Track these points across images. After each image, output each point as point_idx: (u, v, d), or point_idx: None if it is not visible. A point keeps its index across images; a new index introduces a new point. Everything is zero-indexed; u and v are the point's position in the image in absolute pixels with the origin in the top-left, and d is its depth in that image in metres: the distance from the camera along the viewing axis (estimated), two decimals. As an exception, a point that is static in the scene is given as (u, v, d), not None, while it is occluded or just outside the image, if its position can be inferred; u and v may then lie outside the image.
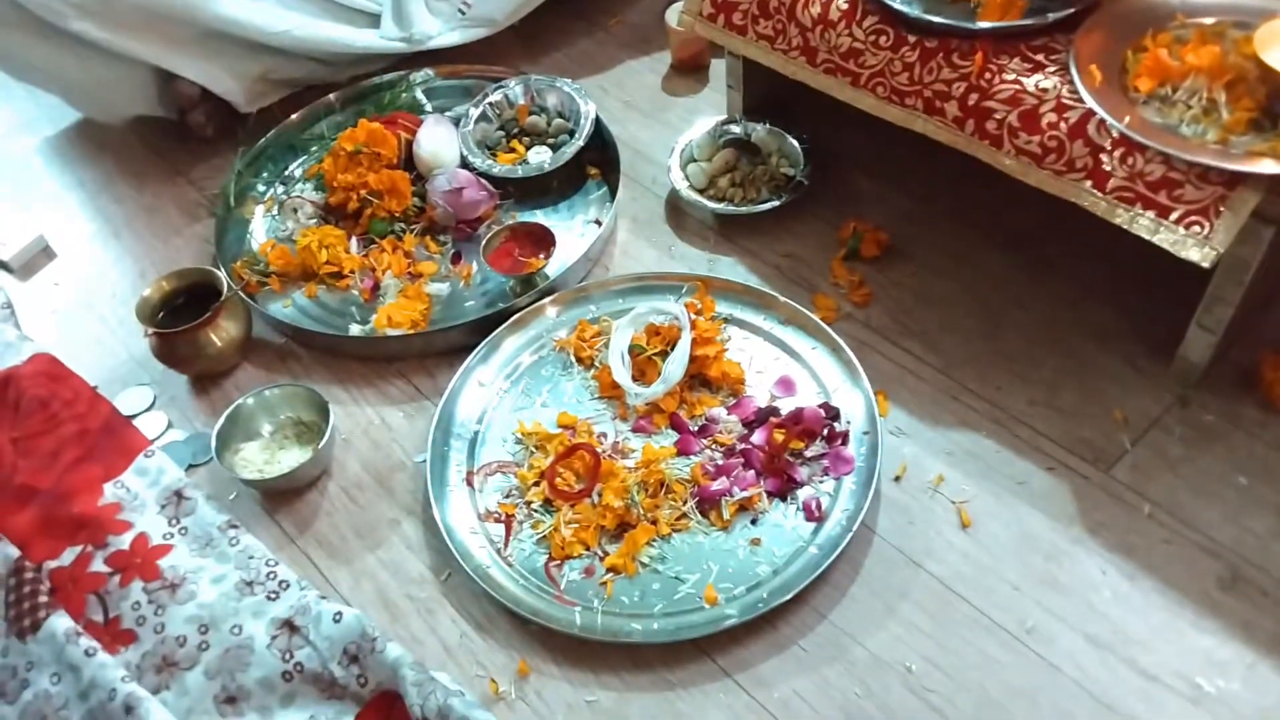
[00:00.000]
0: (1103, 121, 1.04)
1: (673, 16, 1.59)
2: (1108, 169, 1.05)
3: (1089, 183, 1.07)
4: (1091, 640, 1.00)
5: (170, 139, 1.65)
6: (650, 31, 1.73)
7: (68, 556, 1.15)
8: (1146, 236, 1.04)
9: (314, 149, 1.57)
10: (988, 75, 1.11)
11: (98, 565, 1.14)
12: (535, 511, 1.14)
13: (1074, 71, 1.07)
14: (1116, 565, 1.05)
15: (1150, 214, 1.03)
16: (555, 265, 1.36)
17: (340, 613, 1.03)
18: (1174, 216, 1.02)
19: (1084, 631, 1.01)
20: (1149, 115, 1.05)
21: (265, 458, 1.22)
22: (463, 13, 1.64)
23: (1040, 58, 1.11)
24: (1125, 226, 1.05)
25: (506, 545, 1.12)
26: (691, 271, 1.35)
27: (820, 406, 1.18)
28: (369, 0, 1.61)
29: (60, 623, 1.07)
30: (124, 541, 1.16)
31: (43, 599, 1.10)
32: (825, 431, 1.16)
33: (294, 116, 1.59)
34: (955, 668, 1.00)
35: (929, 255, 1.34)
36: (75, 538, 1.16)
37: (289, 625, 1.05)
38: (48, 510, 1.19)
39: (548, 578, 1.09)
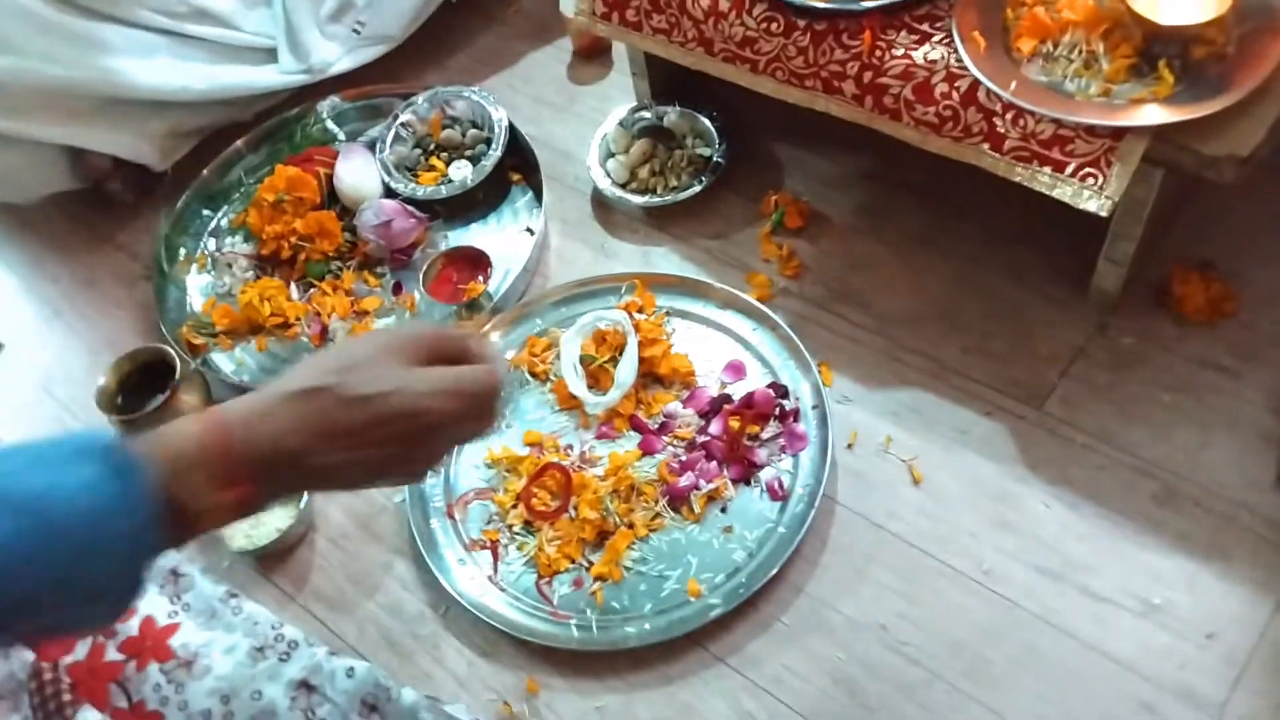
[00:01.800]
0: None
1: (568, 5, 1.59)
2: (1002, 131, 1.10)
3: (986, 145, 1.12)
4: (1044, 573, 1.09)
5: (92, 208, 1.65)
6: (548, 18, 1.73)
7: (81, 650, 1.19)
8: (1047, 191, 1.09)
9: (235, 197, 1.58)
10: (878, 52, 1.15)
11: (112, 654, 1.19)
12: (518, 534, 1.20)
13: (957, 41, 1.11)
14: (1059, 498, 1.13)
15: (1047, 170, 1.09)
16: (496, 282, 1.40)
17: (353, 667, 1.09)
18: (1069, 170, 1.07)
19: (1036, 565, 1.09)
20: (1034, 74, 1.10)
21: (250, 523, 1.26)
22: (358, 33, 1.63)
23: (925, 28, 1.14)
24: (1026, 184, 1.10)
25: (496, 570, 1.18)
26: (627, 268, 1.39)
27: (769, 386, 1.24)
28: (261, 37, 1.60)
29: (89, 716, 1.12)
30: (132, 627, 1.20)
31: (66, 696, 1.15)
32: (777, 411, 1.22)
33: (206, 171, 1.58)
34: (925, 619, 1.08)
35: (850, 218, 1.39)
36: (84, 630, 1.21)
37: (305, 685, 1.11)
38: (51, 607, 1.23)
39: (540, 596, 1.16)
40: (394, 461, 0.69)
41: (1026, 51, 1.10)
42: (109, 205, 1.63)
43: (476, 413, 0.71)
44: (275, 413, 0.65)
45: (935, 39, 1.13)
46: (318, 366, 0.68)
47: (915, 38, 1.14)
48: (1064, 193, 1.08)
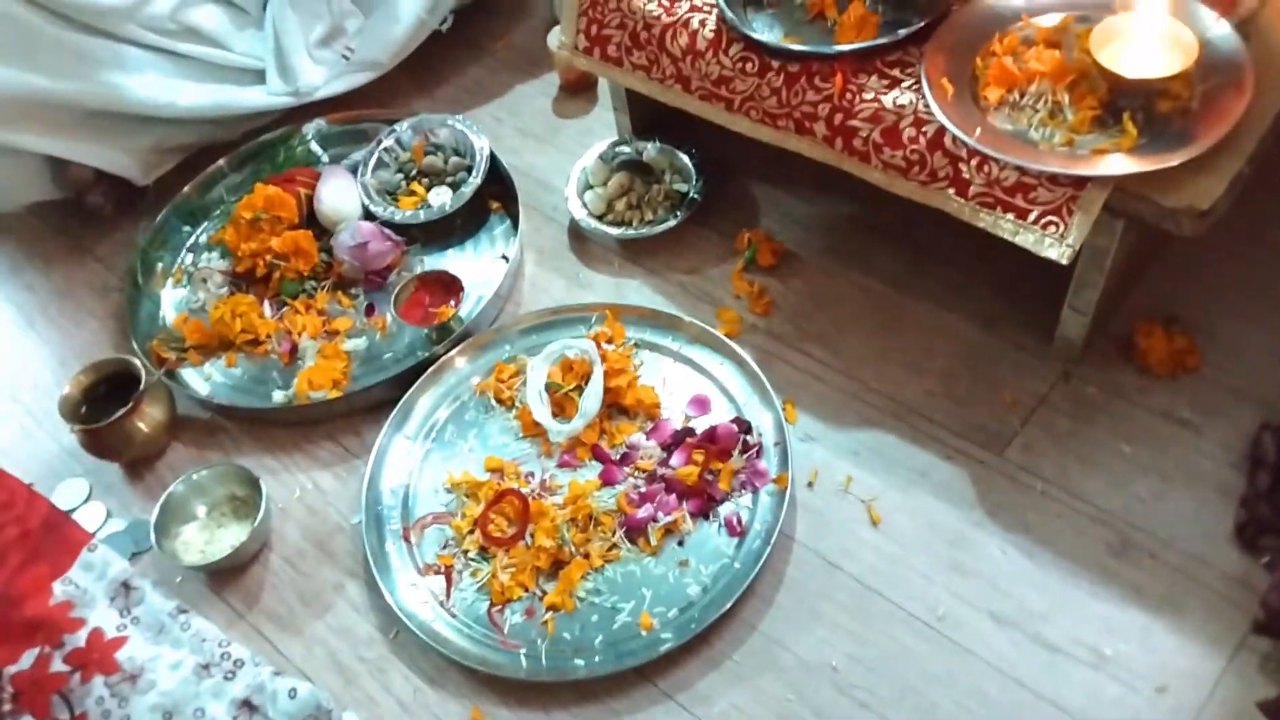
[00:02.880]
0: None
1: (554, 40, 1.62)
2: (967, 177, 1.11)
3: (952, 190, 1.13)
4: (998, 619, 1.08)
5: (72, 218, 1.65)
6: (537, 53, 1.75)
7: (27, 660, 1.18)
8: (1009, 238, 1.10)
9: (215, 214, 1.59)
10: (848, 95, 1.16)
11: (57, 665, 1.18)
12: (473, 560, 1.20)
13: (925, 87, 1.12)
14: (1015, 544, 1.13)
15: (1010, 216, 1.09)
16: (468, 308, 1.40)
17: (295, 689, 1.08)
18: (1031, 218, 1.08)
19: (990, 611, 1.09)
20: (999, 122, 1.11)
21: (205, 538, 1.25)
22: (346, 58, 1.65)
23: (896, 73, 1.16)
24: (990, 230, 1.11)
25: (448, 596, 1.17)
26: (600, 299, 1.40)
27: (733, 421, 1.24)
28: (250, 58, 1.62)
29: (28, 728, 1.11)
30: (80, 639, 1.19)
31: (6, 706, 1.14)
32: (739, 446, 1.22)
33: (188, 188, 1.59)
34: (876, 661, 1.07)
35: (821, 258, 1.40)
36: (32, 640, 1.19)
37: (248, 705, 1.10)
38: (1, 616, 1.22)
39: (491, 624, 1.15)
40: None
41: (993, 100, 1.11)
42: (89, 217, 1.64)
43: None
44: None
45: (905, 84, 1.15)
46: None
47: (886, 82, 1.15)
48: (1026, 239, 1.09)
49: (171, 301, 1.52)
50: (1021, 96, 1.11)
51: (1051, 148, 1.08)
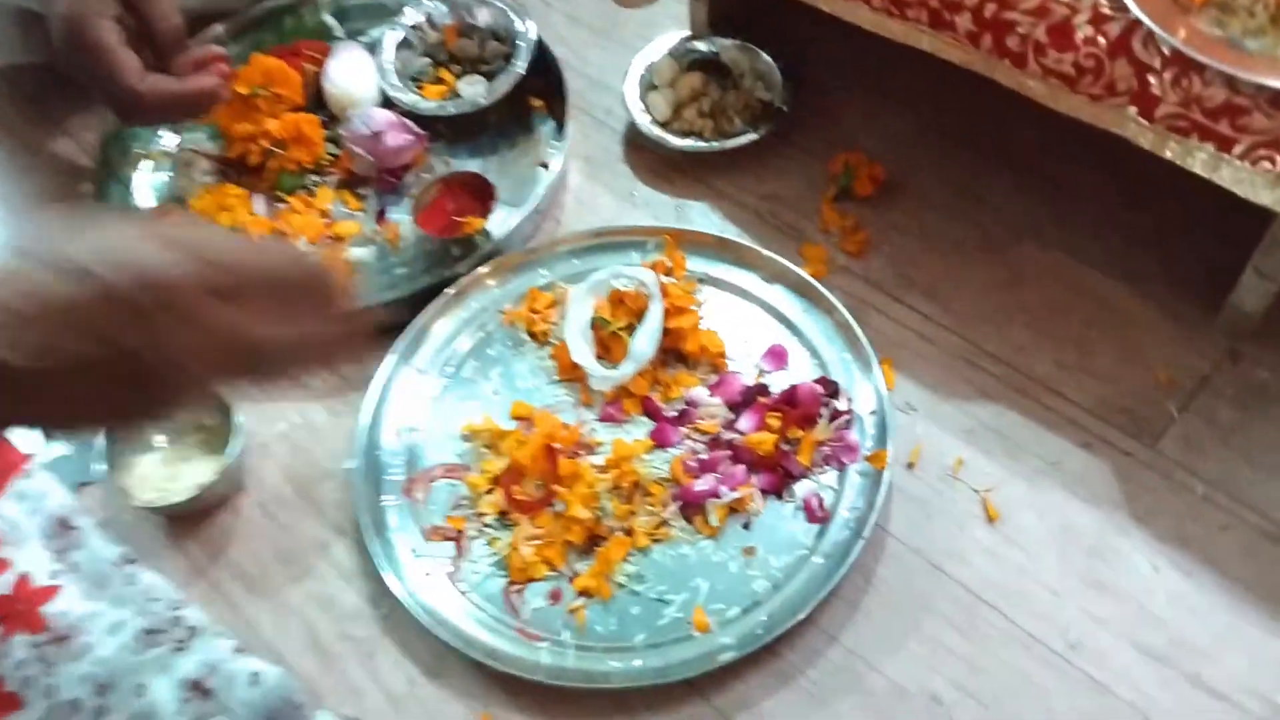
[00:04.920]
0: (1151, 35, 0.86)
1: (619, -87, 1.36)
2: (1157, 93, 0.86)
3: (1133, 109, 0.88)
4: (1146, 652, 0.86)
5: (42, 87, 1.40)
6: (596, -70, 1.49)
7: (-62, 607, 0.97)
8: (1204, 174, 0.86)
9: (207, 89, 1.34)
10: (1009, -22, 0.91)
11: (-26, 615, 0.96)
12: (489, 526, 0.97)
13: (1117, -29, 0.87)
14: (1170, 559, 0.90)
15: (1209, 146, 0.85)
16: (498, 222, 1.17)
17: (258, 673, 0.86)
18: (1238, 150, 0.84)
19: (1136, 642, 0.87)
20: (1205, 27, 0.86)
21: (165, 474, 1.03)
22: (373, -83, 1.39)
23: (1073, -46, 0.91)
24: (1178, 162, 0.87)
25: (457, 569, 0.95)
26: (657, 222, 1.16)
27: (817, 381, 1.01)
28: (260, -94, 1.36)
29: (-71, 692, 0.90)
30: (5, 584, 0.97)
31: (-96, 662, 0.92)
32: (824, 413, 0.99)
33: (178, 54, 1.35)
34: (991, 695, 0.85)
35: (933, 190, 1.16)
36: (-54, 582, 0.98)
37: (199, 687, 0.88)
38: (-91, 548, 1.00)
39: (508, 607, 0.93)
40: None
41: (1200, -3, 0.87)
42: (62, 85, 1.40)
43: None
44: None
45: (1084, -32, 0.90)
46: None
47: (1058, -36, 0.91)
48: (1226, 177, 0.85)
49: (150, 186, 1.28)
50: (1237, -7, 0.86)
51: (1275, 61, 0.83)
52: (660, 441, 1.00)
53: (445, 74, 1.30)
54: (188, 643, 0.92)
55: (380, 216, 1.22)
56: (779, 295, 1.09)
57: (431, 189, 1.18)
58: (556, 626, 0.91)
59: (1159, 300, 1.05)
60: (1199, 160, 0.86)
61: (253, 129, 1.22)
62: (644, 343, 1.02)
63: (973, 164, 1.17)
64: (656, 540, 0.95)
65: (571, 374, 1.06)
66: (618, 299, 1.08)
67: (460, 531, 0.97)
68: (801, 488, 0.96)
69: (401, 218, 1.20)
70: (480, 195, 1.17)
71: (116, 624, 0.94)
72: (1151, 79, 0.87)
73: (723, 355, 1.05)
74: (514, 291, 1.13)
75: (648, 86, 1.25)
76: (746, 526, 0.95)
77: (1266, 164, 0.83)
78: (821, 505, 0.95)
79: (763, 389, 1.02)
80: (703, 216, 1.18)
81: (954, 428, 1.00)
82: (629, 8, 1.41)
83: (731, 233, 1.15)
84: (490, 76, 1.28)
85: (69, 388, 0.50)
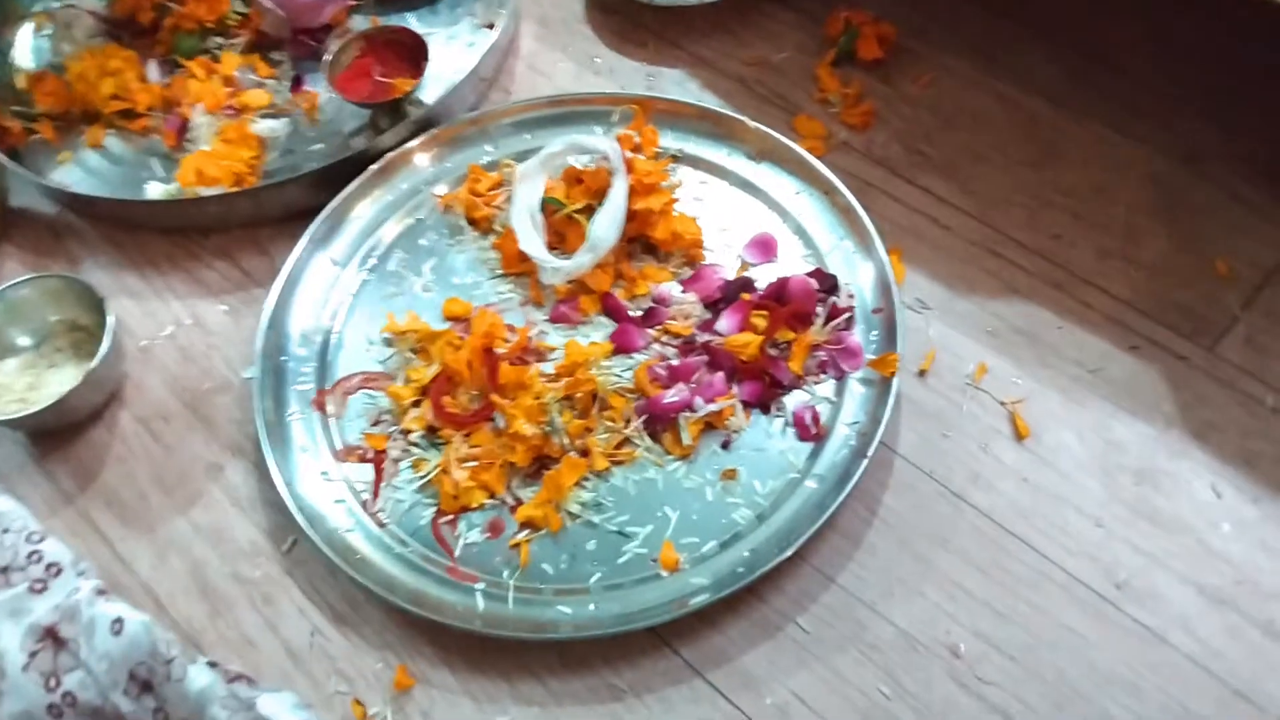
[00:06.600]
0: None
1: None
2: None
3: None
4: (1208, 595, 0.71)
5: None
6: None
7: None
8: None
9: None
10: None
11: None
12: (415, 445, 0.81)
13: None
14: (1234, 484, 0.75)
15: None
16: (432, 87, 0.99)
17: (120, 620, 0.69)
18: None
19: (1196, 582, 0.72)
20: None
21: (28, 381, 0.86)
22: None
23: None
24: (1270, -10, 0.70)
25: (376, 496, 0.79)
26: (624, 91, 0.99)
27: (811, 274, 0.84)
28: None
29: None
30: None
31: None
32: (820, 311, 0.83)
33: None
34: (1021, 646, 0.70)
35: (949, 55, 0.99)
36: None
37: (52, 635, 0.72)
38: None
39: (437, 541, 0.77)
40: None
41: None
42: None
43: None
44: None
45: None
46: None
47: None
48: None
49: (28, 49, 1.09)
50: None
51: None
52: (623, 345, 0.84)
53: (375, -80, 1.10)
54: (48, 584, 0.75)
55: (296, 84, 1.03)
56: (767, 175, 0.91)
57: (352, 47, 0.99)
58: (495, 565, 0.75)
59: (1218, 181, 0.89)
60: (1294, -11, 0.69)
61: (143, -21, 1.03)
62: (605, 227, 0.85)
63: (994, 23, 1.00)
64: (617, 462, 0.79)
65: (518, 266, 0.89)
66: (574, 177, 0.90)
67: (380, 452, 0.81)
68: (792, 400, 0.80)
69: (320, 87, 1.01)
70: (411, 56, 0.98)
71: (-43, 561, 0.78)
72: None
73: (699, 244, 0.88)
74: (451, 171, 0.95)
75: (613, -67, 1.07)
76: (725, 446, 0.79)
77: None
78: (816, 420, 0.79)
79: (746, 284, 0.85)
80: (678, 85, 1.01)
81: (975, 329, 0.84)
82: None
83: (712, 103, 0.97)
84: (428, -78, 1.09)
85: None
